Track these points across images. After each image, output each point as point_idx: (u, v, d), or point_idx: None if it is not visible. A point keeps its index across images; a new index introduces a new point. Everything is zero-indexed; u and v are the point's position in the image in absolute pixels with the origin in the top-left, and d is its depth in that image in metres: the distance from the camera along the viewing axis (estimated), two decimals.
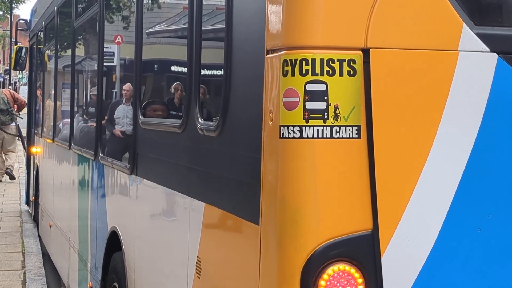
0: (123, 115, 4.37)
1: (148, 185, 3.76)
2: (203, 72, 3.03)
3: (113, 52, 4.79)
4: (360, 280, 1.97)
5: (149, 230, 3.82)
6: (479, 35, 2.04)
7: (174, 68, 3.84)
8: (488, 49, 2.04)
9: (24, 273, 6.69)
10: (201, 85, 3.04)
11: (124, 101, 4.41)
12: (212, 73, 3.07)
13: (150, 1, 4.22)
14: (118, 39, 4.73)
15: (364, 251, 1.97)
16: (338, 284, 1.96)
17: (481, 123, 2.06)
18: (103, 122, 4.86)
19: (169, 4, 3.98)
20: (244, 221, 2.38)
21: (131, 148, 4.04)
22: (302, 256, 1.96)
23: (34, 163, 9.96)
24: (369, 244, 1.98)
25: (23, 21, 13.57)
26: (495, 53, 2.05)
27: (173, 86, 3.83)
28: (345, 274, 1.97)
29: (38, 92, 9.53)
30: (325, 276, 1.95)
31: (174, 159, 3.42)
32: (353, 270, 1.96)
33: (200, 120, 2.92)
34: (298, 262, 1.97)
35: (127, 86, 4.41)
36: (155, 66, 4.24)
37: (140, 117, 3.86)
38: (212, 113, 3.00)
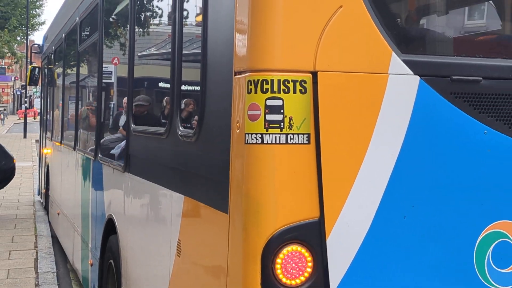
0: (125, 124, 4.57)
1: (138, 181, 3.74)
2: (183, 88, 3.06)
3: (111, 71, 4.76)
4: (309, 259, 2.06)
5: (139, 217, 3.80)
6: (405, 61, 2.14)
7: (160, 84, 3.82)
8: (412, 73, 2.13)
9: (36, 252, 6.71)
10: (181, 99, 3.06)
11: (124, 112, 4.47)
12: (191, 89, 3.09)
13: (140, 30, 4.15)
14: (115, 60, 4.68)
15: (312, 235, 2.06)
16: (291, 262, 2.05)
17: (406, 132, 2.16)
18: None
19: (156, 32, 3.92)
20: (216, 210, 2.42)
21: (124, 150, 4.09)
22: (262, 239, 2.05)
23: (45, 161, 10.12)
24: (317, 229, 2.07)
25: (36, 45, 13.79)
26: (417, 76, 2.14)
27: (159, 99, 3.84)
28: (297, 254, 2.06)
29: (49, 103, 9.75)
30: (281, 255, 2.04)
31: (159, 159, 3.44)
32: (303, 250, 2.06)
33: (180, 128, 2.94)
34: (259, 244, 2.05)
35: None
36: (145, 83, 4.21)
37: (132, 125, 3.87)
38: (190, 123, 3.00)
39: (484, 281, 2.28)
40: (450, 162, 2.27)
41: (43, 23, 23.60)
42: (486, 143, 2.28)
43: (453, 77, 2.20)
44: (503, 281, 2.34)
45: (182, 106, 3.07)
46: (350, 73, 2.08)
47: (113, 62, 4.77)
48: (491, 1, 2.96)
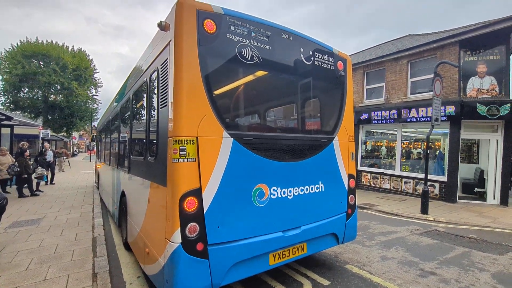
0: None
1: (133, 176, 4.26)
2: (151, 141, 3.59)
3: (125, 136, 5.72)
4: (196, 202, 2.91)
5: (134, 189, 4.25)
6: (228, 133, 3.03)
7: (142, 140, 4.20)
8: (230, 137, 3.03)
9: (93, 205, 8.42)
10: (150, 146, 3.55)
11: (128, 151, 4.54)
12: (154, 142, 3.50)
13: (134, 120, 4.74)
14: (126, 131, 5.52)
15: (197, 193, 2.85)
16: (190, 203, 2.90)
17: (229, 156, 3.12)
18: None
19: (139, 120, 4.43)
20: (162, 186, 3.03)
21: (128, 164, 4.66)
22: (178, 196, 2.87)
23: (97, 169, 11.52)
24: (199, 190, 2.88)
25: (94, 127, 15.48)
26: (232, 138, 3.05)
27: (141, 146, 4.22)
28: (192, 200, 2.92)
29: (99, 148, 10.77)
30: (185, 201, 2.89)
31: (141, 168, 3.82)
32: (194, 199, 2.91)
33: (149, 157, 3.48)
34: (177, 198, 2.87)
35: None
36: (136, 140, 4.60)
37: (131, 156, 4.48)
38: (153, 154, 3.40)
39: (255, 204, 3.22)
40: (243, 166, 3.03)
41: (98, 118, 26.85)
42: (255, 159, 3.18)
43: (244, 138, 3.05)
44: (261, 203, 3.23)
45: (150, 148, 3.62)
46: (209, 137, 2.88)
47: (125, 132, 5.58)
48: (257, 113, 3.56)
